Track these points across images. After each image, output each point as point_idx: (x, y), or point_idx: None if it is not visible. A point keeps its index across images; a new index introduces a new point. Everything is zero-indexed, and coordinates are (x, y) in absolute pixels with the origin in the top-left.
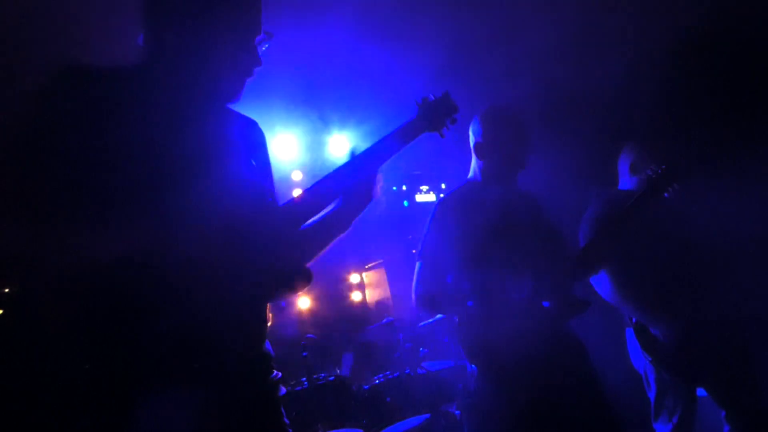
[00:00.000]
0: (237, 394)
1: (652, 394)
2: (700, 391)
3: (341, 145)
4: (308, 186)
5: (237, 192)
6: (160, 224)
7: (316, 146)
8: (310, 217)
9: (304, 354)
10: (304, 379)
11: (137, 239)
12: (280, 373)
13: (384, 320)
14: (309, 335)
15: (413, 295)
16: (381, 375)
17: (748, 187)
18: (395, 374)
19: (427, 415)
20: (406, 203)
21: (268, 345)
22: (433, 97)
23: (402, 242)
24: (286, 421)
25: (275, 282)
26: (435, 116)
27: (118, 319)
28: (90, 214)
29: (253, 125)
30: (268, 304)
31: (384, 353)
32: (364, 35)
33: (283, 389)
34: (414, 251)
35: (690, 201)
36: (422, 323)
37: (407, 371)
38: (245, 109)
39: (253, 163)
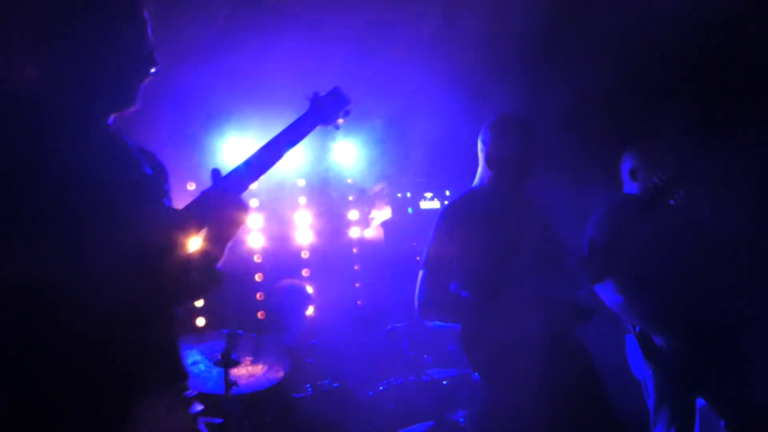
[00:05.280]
0: (143, 411)
1: (651, 403)
2: (700, 401)
3: (346, 151)
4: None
5: (140, 200)
6: (55, 244)
7: (320, 153)
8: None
9: (309, 360)
10: (308, 386)
11: (34, 260)
12: (195, 391)
13: (388, 327)
14: (313, 342)
15: (416, 304)
16: (385, 382)
17: (749, 192)
18: (399, 381)
19: (431, 423)
20: (410, 210)
21: (182, 361)
22: (323, 92)
23: (406, 249)
24: None
25: (181, 289)
26: (326, 111)
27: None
28: None
29: (145, 149)
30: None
31: (388, 360)
32: (366, 41)
33: (199, 406)
34: (418, 258)
35: (693, 207)
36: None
37: (411, 378)
38: (252, 115)
39: (148, 170)
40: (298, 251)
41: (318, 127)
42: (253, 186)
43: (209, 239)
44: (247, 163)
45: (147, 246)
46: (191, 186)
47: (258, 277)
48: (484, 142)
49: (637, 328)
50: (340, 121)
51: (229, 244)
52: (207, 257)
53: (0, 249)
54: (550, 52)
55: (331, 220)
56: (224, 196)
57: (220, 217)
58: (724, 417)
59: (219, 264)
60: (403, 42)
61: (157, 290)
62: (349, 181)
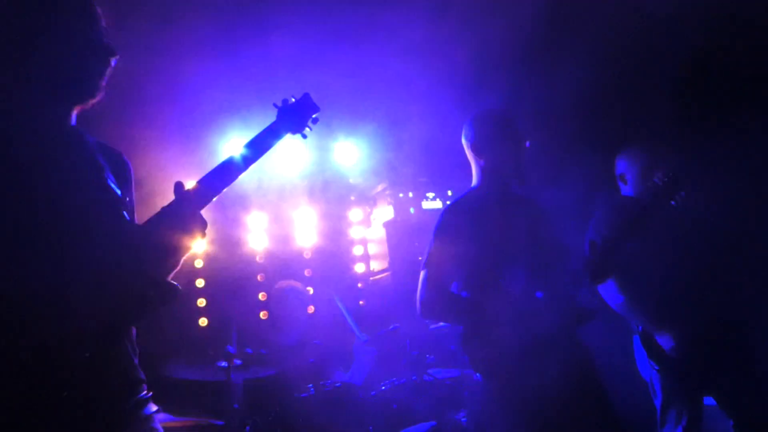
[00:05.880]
0: (98, 414)
1: (658, 402)
2: (707, 400)
3: (348, 151)
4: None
5: (97, 212)
6: (21, 260)
7: (322, 153)
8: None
9: (311, 360)
10: (311, 385)
11: None
12: (150, 393)
13: (390, 327)
14: (315, 341)
15: (417, 304)
16: (387, 381)
17: (751, 190)
18: (402, 381)
19: (433, 423)
20: (412, 210)
21: (136, 365)
22: (293, 100)
23: (408, 249)
24: None
25: (135, 305)
26: (295, 118)
27: None
28: None
29: (110, 148)
30: (131, 327)
31: (390, 360)
32: (367, 41)
33: (152, 407)
34: (420, 258)
35: (694, 207)
36: (432, 327)
37: (414, 378)
38: (253, 115)
39: (109, 179)
40: (300, 252)
41: (288, 135)
42: (253, 185)
43: (164, 251)
44: (211, 176)
45: (103, 261)
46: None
47: (260, 278)
48: (467, 137)
49: (640, 328)
50: (308, 129)
51: (185, 257)
52: (162, 269)
53: None
54: (549, 54)
55: (333, 221)
56: (183, 209)
57: (178, 230)
58: (732, 416)
59: (170, 276)
60: (405, 42)
61: (111, 305)
62: (351, 181)
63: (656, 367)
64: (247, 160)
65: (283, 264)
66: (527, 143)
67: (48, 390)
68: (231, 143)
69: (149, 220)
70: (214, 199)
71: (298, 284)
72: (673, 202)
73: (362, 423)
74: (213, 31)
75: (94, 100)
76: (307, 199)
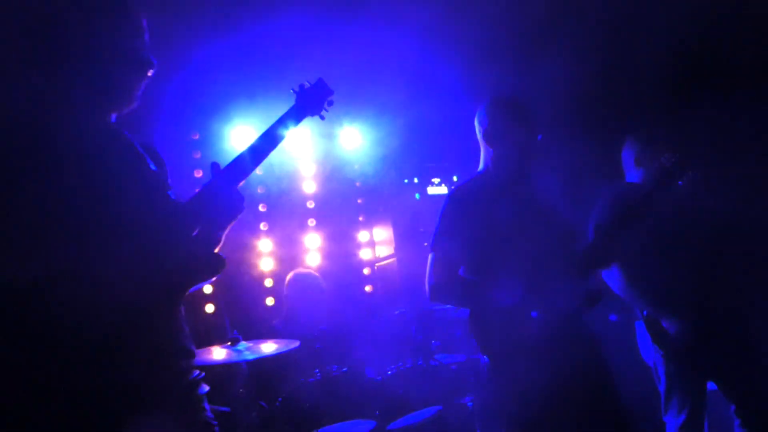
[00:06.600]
0: (156, 395)
1: (662, 388)
2: (711, 385)
3: (353, 137)
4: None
5: (146, 194)
6: (69, 238)
7: (327, 139)
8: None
9: (318, 346)
10: (317, 370)
11: (49, 255)
12: (203, 373)
13: (396, 312)
14: (322, 327)
15: (426, 287)
16: (393, 366)
17: (757, 174)
18: (408, 366)
19: (440, 407)
20: (417, 196)
21: (189, 344)
22: (308, 84)
23: (414, 235)
24: (210, 415)
25: (188, 275)
26: (313, 101)
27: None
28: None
29: (144, 142)
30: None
31: (396, 345)
32: (372, 25)
33: (206, 387)
34: (426, 244)
35: (700, 191)
36: (438, 312)
37: (420, 363)
38: (258, 101)
39: (152, 166)
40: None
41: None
42: (259, 173)
43: (210, 227)
44: (242, 157)
45: (156, 237)
46: (198, 173)
47: (265, 265)
48: (481, 123)
49: (645, 313)
50: (324, 111)
51: (227, 231)
52: (209, 244)
53: (13, 247)
54: (557, 40)
55: (339, 207)
56: (223, 188)
57: (219, 207)
58: (734, 401)
59: (218, 249)
60: (410, 27)
61: (166, 278)
62: (356, 167)
63: (661, 352)
64: (274, 141)
65: (291, 251)
66: (539, 136)
67: (118, 364)
68: (236, 130)
69: (192, 199)
70: (247, 177)
71: (311, 271)
72: (680, 183)
73: (369, 408)
74: (216, 13)
75: (129, 108)
76: (313, 186)
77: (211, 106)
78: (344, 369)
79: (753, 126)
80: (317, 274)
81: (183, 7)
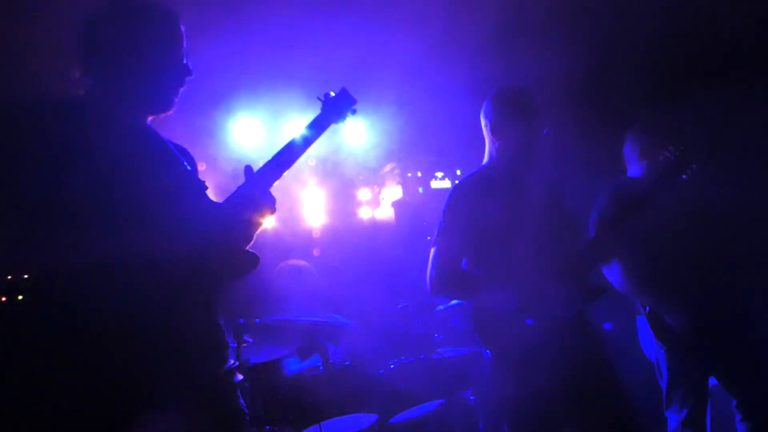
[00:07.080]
0: (195, 381)
1: (664, 383)
2: (712, 380)
3: (357, 131)
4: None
5: (183, 192)
6: (122, 233)
7: (330, 133)
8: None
9: (320, 339)
10: (320, 364)
11: (90, 245)
12: (237, 362)
13: (398, 306)
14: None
15: (428, 281)
16: (396, 360)
17: (760, 169)
18: (410, 360)
19: (442, 401)
20: (421, 189)
21: (224, 337)
22: (333, 93)
23: (417, 229)
24: (243, 402)
25: (226, 271)
26: (338, 109)
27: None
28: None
29: (176, 143)
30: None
31: (399, 339)
32: (376, 21)
33: (239, 376)
34: (429, 238)
35: (703, 185)
36: (440, 307)
37: (422, 357)
38: (261, 95)
39: (187, 166)
40: (308, 231)
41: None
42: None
43: (244, 227)
44: (273, 161)
45: (194, 235)
46: (201, 167)
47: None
48: (486, 116)
49: (647, 309)
50: (348, 119)
51: (259, 230)
52: (243, 243)
53: (57, 238)
54: (556, 33)
55: (342, 200)
56: (256, 190)
57: (253, 208)
58: (736, 396)
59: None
60: (413, 22)
61: (203, 274)
62: (360, 161)
63: (663, 347)
64: (302, 147)
65: (291, 243)
66: (545, 131)
67: (160, 353)
68: (239, 123)
69: (228, 200)
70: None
71: (303, 263)
72: (684, 176)
73: (371, 401)
74: (220, 9)
75: (166, 113)
76: (315, 179)
77: (214, 100)
78: (347, 362)
79: (756, 121)
80: (310, 266)
81: (187, 2)
